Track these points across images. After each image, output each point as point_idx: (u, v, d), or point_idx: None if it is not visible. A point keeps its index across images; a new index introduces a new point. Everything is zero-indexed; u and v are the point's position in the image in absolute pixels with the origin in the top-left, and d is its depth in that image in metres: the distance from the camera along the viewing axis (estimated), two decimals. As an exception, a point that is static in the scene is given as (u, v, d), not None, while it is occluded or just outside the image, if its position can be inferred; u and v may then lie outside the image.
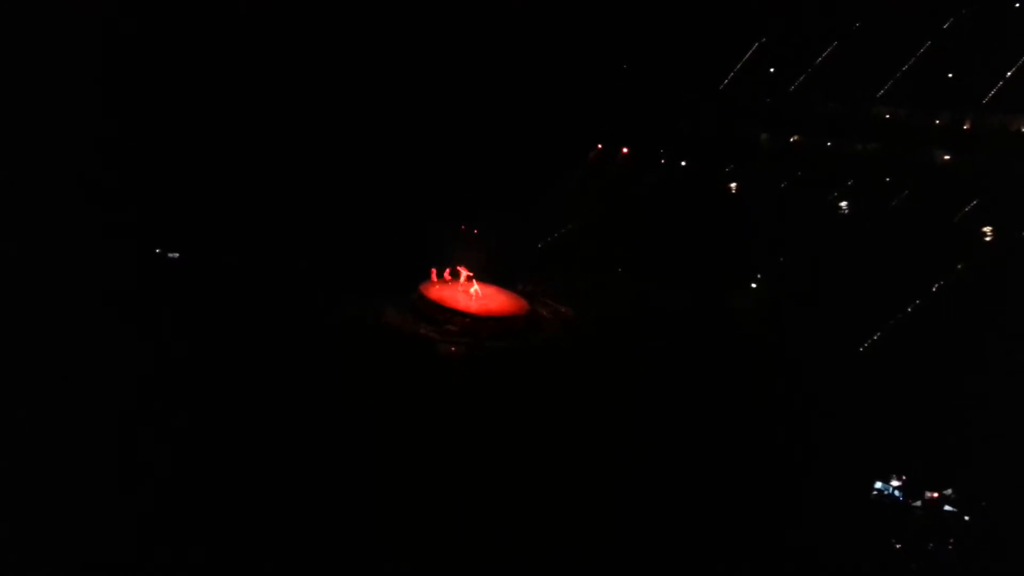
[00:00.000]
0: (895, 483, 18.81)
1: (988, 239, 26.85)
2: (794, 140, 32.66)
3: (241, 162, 28.59)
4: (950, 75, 29.35)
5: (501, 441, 18.97)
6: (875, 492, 18.71)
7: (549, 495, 17.23)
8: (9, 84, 24.47)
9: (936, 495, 18.47)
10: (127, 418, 16.67)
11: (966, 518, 18.12)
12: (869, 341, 25.26)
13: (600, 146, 34.95)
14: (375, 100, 31.54)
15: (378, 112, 31.39)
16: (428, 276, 28.60)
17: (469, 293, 28.44)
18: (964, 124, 29.41)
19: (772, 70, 32.83)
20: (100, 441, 15.87)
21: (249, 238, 27.57)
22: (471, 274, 28.71)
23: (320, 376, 20.09)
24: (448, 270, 28.74)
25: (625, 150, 34.63)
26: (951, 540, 17.68)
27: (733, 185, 32.68)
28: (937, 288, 26.00)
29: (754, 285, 28.74)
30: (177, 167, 27.42)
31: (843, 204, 30.08)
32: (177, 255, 25.82)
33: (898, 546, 17.56)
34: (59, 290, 20.62)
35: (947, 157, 29.30)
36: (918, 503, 18.53)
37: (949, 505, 18.40)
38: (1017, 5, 28.54)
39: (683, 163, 33.90)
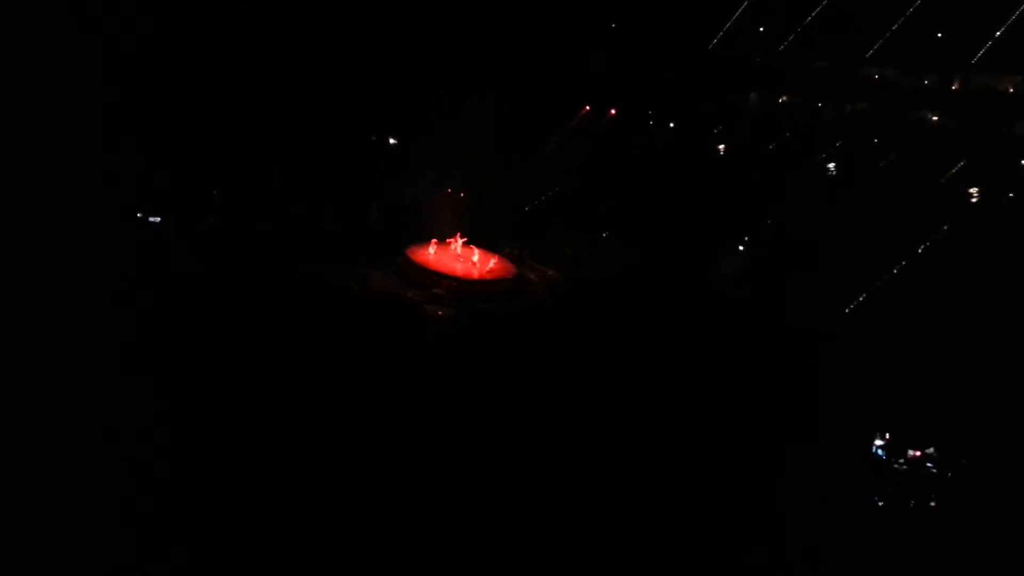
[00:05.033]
0: (879, 442, 19.02)
1: (974, 200, 26.90)
2: (783, 101, 32.47)
3: (227, 127, 28.07)
4: (939, 35, 29.13)
5: (488, 406, 18.96)
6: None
7: (537, 462, 17.26)
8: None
9: (919, 454, 18.71)
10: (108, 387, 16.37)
11: (948, 476, 18.37)
12: (855, 302, 25.39)
13: (587, 108, 34.63)
14: (360, 65, 30.98)
15: (362, 77, 30.85)
16: (417, 240, 28.48)
17: (458, 256, 28.39)
18: (952, 85, 29.26)
19: (761, 29, 32.50)
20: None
21: (233, 203, 27.30)
22: (465, 239, 28.75)
23: (307, 342, 19.95)
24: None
25: (612, 111, 34.34)
26: (932, 498, 17.94)
27: (721, 147, 32.51)
28: (923, 249, 26.11)
29: (741, 248, 28.73)
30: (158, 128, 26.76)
31: (831, 166, 30.01)
32: (159, 219, 25.51)
33: (880, 504, 17.80)
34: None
35: (935, 118, 29.21)
36: (901, 461, 18.75)
37: (931, 464, 18.65)
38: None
39: (671, 124, 33.67)
